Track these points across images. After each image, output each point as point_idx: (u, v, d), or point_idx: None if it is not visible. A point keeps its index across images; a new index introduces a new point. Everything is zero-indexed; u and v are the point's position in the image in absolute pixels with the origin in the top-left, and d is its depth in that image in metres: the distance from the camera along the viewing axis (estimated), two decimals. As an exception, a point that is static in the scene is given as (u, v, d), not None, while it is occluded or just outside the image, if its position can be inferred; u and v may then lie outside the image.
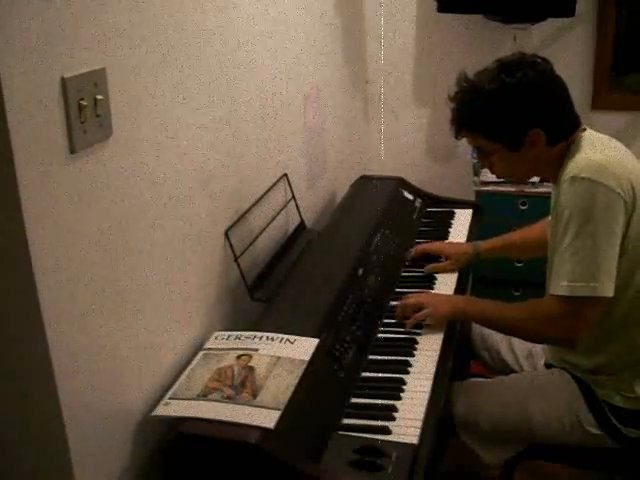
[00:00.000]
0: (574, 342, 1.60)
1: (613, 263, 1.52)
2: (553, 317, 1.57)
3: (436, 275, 2.04)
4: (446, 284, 1.99)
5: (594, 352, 1.67)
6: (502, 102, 1.61)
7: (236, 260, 1.74)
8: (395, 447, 1.33)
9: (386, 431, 1.39)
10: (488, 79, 1.62)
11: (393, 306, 1.85)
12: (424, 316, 1.75)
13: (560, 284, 1.54)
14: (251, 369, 1.45)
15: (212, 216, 1.69)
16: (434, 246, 2.15)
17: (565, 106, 1.65)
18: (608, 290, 1.51)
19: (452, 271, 2.06)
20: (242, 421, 1.30)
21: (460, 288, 2.00)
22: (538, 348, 1.92)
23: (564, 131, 1.64)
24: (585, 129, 1.67)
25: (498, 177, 1.89)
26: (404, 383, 1.55)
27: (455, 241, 2.25)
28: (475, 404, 1.77)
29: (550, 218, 1.75)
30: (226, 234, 1.74)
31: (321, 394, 1.48)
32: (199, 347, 1.57)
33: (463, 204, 2.52)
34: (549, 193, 1.79)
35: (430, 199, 2.53)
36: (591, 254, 1.50)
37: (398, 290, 1.96)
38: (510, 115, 1.61)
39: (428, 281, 2.01)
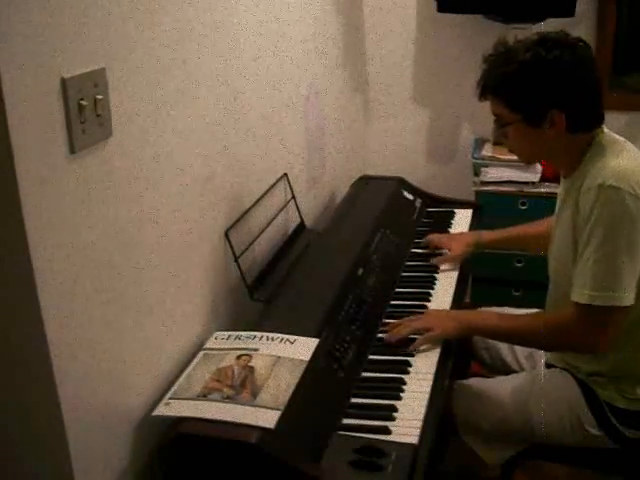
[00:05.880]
0: (598, 350, 1.60)
1: (634, 273, 1.51)
2: (574, 326, 1.56)
3: (436, 275, 2.04)
4: (446, 284, 1.99)
5: (596, 360, 1.66)
6: (532, 74, 1.57)
7: (236, 260, 1.74)
8: (395, 447, 1.33)
9: (386, 431, 1.39)
10: (525, 48, 1.59)
11: (392, 306, 1.86)
12: (433, 338, 1.68)
13: (582, 292, 1.53)
14: (251, 369, 1.45)
15: (212, 216, 1.69)
16: (441, 241, 2.16)
17: (592, 97, 1.62)
18: (628, 300, 1.51)
19: (456, 262, 2.08)
20: (242, 421, 1.30)
21: (460, 288, 1.99)
22: (539, 349, 1.92)
23: (586, 122, 1.62)
24: (603, 130, 1.65)
25: (510, 152, 1.81)
26: (404, 383, 1.55)
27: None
28: (475, 404, 1.77)
29: (556, 216, 1.74)
30: (226, 234, 1.74)
31: (321, 394, 1.47)
32: (199, 347, 1.57)
33: (463, 204, 2.52)
34: (549, 193, 1.79)
35: (430, 199, 2.53)
36: (614, 263, 1.50)
37: (398, 290, 1.96)
38: (537, 89, 1.58)
39: (428, 281, 2.00)
